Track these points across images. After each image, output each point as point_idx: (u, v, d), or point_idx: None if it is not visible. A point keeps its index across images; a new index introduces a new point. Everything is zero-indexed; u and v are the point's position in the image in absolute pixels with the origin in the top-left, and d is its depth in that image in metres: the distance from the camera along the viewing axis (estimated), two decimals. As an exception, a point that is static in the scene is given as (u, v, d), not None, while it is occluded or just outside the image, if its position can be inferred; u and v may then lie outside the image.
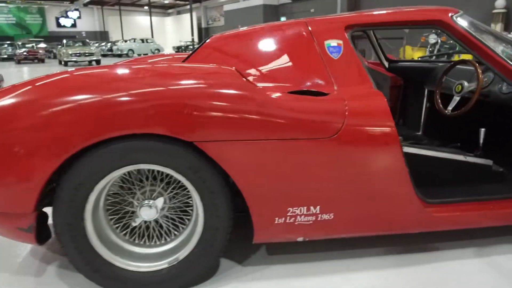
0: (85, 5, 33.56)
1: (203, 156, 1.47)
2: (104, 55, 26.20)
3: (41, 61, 20.98)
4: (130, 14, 40.71)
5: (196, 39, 27.43)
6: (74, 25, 37.64)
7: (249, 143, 1.47)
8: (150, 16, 30.69)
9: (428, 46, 9.27)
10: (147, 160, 1.46)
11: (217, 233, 1.56)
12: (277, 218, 1.59)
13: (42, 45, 26.90)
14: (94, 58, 18.36)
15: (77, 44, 19.63)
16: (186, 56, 2.09)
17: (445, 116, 2.45)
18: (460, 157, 1.98)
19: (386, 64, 3.17)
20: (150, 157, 1.45)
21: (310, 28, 1.86)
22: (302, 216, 1.61)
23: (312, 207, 1.60)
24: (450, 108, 2.42)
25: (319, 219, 1.62)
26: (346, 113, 1.54)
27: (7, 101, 1.41)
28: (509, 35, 6.77)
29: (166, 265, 1.60)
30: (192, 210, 1.67)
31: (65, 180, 1.44)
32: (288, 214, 1.59)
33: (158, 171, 1.62)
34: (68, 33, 35.99)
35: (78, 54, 18.00)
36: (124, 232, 1.69)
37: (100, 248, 1.55)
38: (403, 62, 3.17)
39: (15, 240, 1.58)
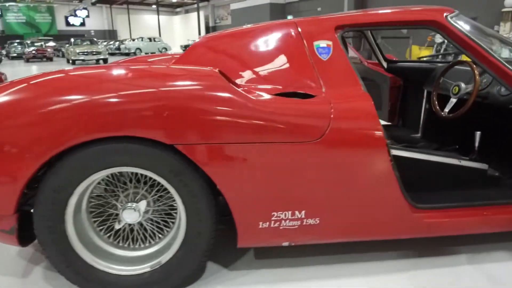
0: (93, 4, 33.75)
1: (184, 159, 1.45)
2: (112, 54, 26.36)
3: (50, 59, 21.16)
4: (139, 13, 40.90)
5: (203, 38, 27.37)
6: (83, 24, 37.95)
7: (231, 146, 1.45)
8: (158, 14, 30.79)
9: (435, 45, 9.15)
10: (127, 163, 1.44)
11: (200, 237, 1.54)
12: (261, 223, 1.57)
13: (51, 43, 27.19)
14: (101, 57, 18.46)
15: (85, 43, 19.76)
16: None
17: (443, 118, 2.40)
18: (454, 161, 1.93)
19: (385, 64, 3.11)
20: (130, 160, 1.43)
21: (299, 29, 1.83)
22: (287, 221, 1.58)
23: (297, 212, 1.57)
24: (446, 110, 2.37)
25: (304, 224, 1.59)
26: (331, 116, 1.51)
27: None
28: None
29: (148, 269, 1.58)
30: (176, 213, 1.65)
31: (45, 182, 1.43)
32: (273, 218, 1.56)
33: (141, 174, 1.61)
34: (77, 32, 36.30)
35: (85, 53, 18.12)
36: (109, 234, 1.68)
37: (81, 251, 1.54)
38: (402, 63, 3.11)
39: (-2, 242, 1.57)
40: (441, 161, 1.90)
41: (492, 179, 1.98)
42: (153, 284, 1.57)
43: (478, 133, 1.99)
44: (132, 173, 1.60)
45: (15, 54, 23.22)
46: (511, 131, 2.23)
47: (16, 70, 15.02)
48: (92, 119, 1.36)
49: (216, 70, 1.53)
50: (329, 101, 1.56)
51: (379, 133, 1.53)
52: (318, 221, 1.60)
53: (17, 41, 24.89)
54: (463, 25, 1.87)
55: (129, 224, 1.68)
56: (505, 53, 2.18)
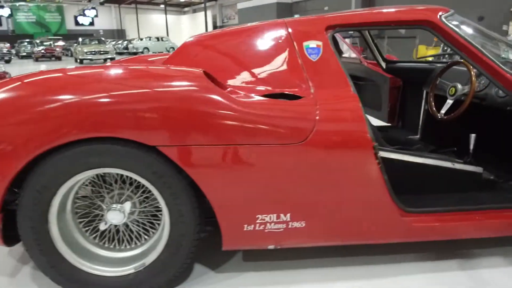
0: (102, 3, 34.01)
1: (167, 161, 1.44)
2: (120, 53, 26.52)
3: (58, 58, 21.37)
4: (147, 12, 41.09)
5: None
6: (92, 23, 38.14)
7: (214, 148, 1.43)
8: (166, 14, 30.90)
9: (442, 45, 9.04)
10: (110, 164, 1.43)
11: (183, 239, 1.53)
12: (246, 225, 1.55)
13: (61, 43, 27.43)
14: (109, 56, 18.59)
15: (93, 42, 19.93)
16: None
17: (440, 120, 2.35)
18: (448, 164, 1.89)
19: (384, 64, 3.07)
20: (113, 161, 1.43)
21: (289, 29, 1.80)
22: (272, 224, 1.56)
23: (282, 215, 1.55)
24: (443, 111, 2.33)
25: (290, 227, 1.57)
26: (317, 118, 1.48)
27: None
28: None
29: (132, 270, 1.57)
30: (162, 214, 1.64)
31: (28, 182, 1.42)
32: (257, 221, 1.54)
33: (126, 176, 1.60)
34: (86, 31, 36.58)
35: (93, 52, 18.26)
36: (94, 235, 1.67)
37: (65, 252, 1.54)
38: (401, 63, 3.06)
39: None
40: (434, 164, 1.86)
41: (487, 183, 1.93)
42: (137, 286, 1.56)
43: (473, 136, 1.95)
44: (117, 174, 1.59)
45: (24, 54, 23.47)
46: (509, 133, 2.18)
47: (24, 69, 15.19)
48: (75, 120, 1.36)
49: (201, 71, 1.51)
50: (315, 103, 1.54)
51: (365, 135, 1.50)
52: (303, 224, 1.58)
53: (27, 40, 25.15)
54: (457, 25, 1.83)
55: (115, 225, 1.67)
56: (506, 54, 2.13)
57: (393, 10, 1.86)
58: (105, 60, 18.56)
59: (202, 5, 26.61)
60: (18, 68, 15.31)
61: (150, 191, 1.61)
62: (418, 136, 2.97)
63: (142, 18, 37.83)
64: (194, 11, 42.11)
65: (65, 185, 1.46)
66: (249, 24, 1.90)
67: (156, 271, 1.56)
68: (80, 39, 19.98)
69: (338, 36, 3.56)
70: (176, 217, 1.50)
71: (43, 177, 1.42)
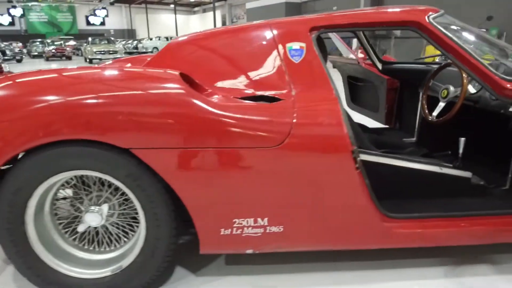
0: (112, 3, 34.33)
1: (141, 163, 1.43)
2: (129, 53, 26.72)
3: (69, 58, 21.62)
4: (157, 12, 41.36)
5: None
6: (103, 23, 38.61)
7: (189, 151, 1.41)
8: (175, 14, 31.06)
9: None
10: (85, 167, 1.43)
11: (159, 243, 1.51)
12: (222, 229, 1.53)
13: (72, 42, 27.74)
14: (118, 56, 18.74)
15: (102, 42, 20.12)
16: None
17: (432, 123, 2.31)
18: (435, 168, 1.84)
19: (380, 66, 3.02)
20: (87, 163, 1.42)
21: (273, 30, 1.78)
22: (250, 228, 1.54)
23: (259, 219, 1.53)
24: (435, 114, 2.28)
25: (267, 231, 1.55)
26: (294, 121, 1.46)
27: None
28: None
29: (109, 273, 1.57)
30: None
31: (3, 184, 1.43)
32: (234, 225, 1.53)
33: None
34: (97, 31, 36.97)
35: (102, 52, 18.43)
36: (74, 237, 1.67)
37: (42, 253, 1.54)
38: (397, 64, 3.01)
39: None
40: (420, 168, 1.82)
41: (476, 188, 1.88)
42: (113, 289, 1.56)
43: (462, 140, 1.90)
44: (95, 176, 1.59)
45: (36, 53, 23.82)
46: (503, 136, 2.12)
47: (34, 69, 15.38)
48: (48, 122, 1.35)
49: (177, 73, 1.50)
50: (293, 106, 1.51)
51: (343, 139, 1.47)
52: (282, 229, 1.55)
53: (39, 40, 25.51)
54: (446, 26, 1.79)
55: (95, 227, 1.67)
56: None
57: (379, 10, 1.82)
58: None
59: (212, 5, 26.67)
60: (28, 68, 15.52)
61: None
62: (414, 139, 2.92)
63: (152, 18, 38.08)
64: (204, 10, 42.24)
65: (40, 186, 1.46)
66: (233, 26, 1.88)
67: (133, 274, 1.55)
68: (89, 39, 20.20)
69: (335, 36, 3.52)
70: (151, 220, 1.49)
71: (18, 179, 1.42)
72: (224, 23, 34.55)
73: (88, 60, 18.78)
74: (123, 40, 31.22)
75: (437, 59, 4.76)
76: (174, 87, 1.43)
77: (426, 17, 1.76)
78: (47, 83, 1.43)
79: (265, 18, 1.85)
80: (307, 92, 1.63)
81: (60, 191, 1.62)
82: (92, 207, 1.56)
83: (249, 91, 1.69)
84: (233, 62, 1.76)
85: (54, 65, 17.38)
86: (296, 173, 1.48)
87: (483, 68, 1.67)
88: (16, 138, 1.36)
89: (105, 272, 1.57)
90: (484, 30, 7.14)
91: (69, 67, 1.58)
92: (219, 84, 1.71)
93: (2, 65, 5.72)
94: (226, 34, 1.84)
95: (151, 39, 28.24)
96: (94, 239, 1.68)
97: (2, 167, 1.43)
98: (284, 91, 1.67)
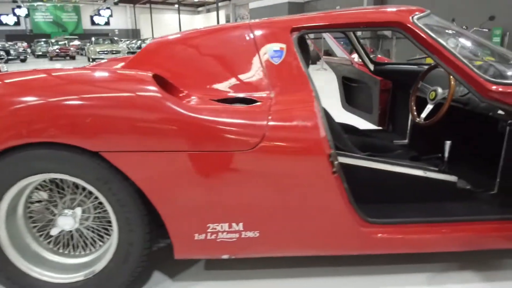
0: (116, 3, 34.44)
1: (112, 167, 1.40)
2: (133, 53, 26.78)
3: (72, 58, 21.74)
4: (161, 12, 41.44)
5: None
6: (107, 23, 38.78)
7: (160, 154, 1.38)
8: (179, 14, 31.11)
9: None
10: (55, 170, 1.41)
11: (132, 248, 1.49)
12: (196, 234, 1.50)
13: (76, 42, 27.87)
14: (121, 56, 18.79)
15: (106, 42, 20.19)
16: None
17: (420, 125, 2.26)
18: (419, 172, 1.80)
19: (371, 66, 2.98)
20: (57, 166, 1.40)
21: (253, 31, 1.75)
22: (224, 233, 1.51)
23: (234, 224, 1.50)
24: (423, 116, 2.23)
25: (243, 236, 1.51)
26: (268, 124, 1.42)
27: None
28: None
29: (82, 278, 1.54)
30: (114, 221, 1.61)
31: None
32: (209, 230, 1.49)
33: None
34: (102, 31, 37.12)
35: (105, 52, 18.50)
36: (49, 240, 1.65)
37: (13, 256, 1.52)
38: (389, 65, 2.97)
39: None
40: (404, 172, 1.78)
41: (462, 193, 1.84)
42: (86, 294, 1.53)
43: (448, 143, 1.84)
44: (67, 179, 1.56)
45: (40, 53, 23.94)
46: (492, 140, 2.07)
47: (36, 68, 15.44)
48: (16, 124, 1.33)
49: (149, 74, 1.47)
50: (269, 108, 1.48)
51: (318, 143, 1.43)
52: (257, 234, 1.52)
53: (43, 40, 25.64)
54: (432, 27, 1.74)
55: (70, 231, 1.64)
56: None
57: (362, 11, 1.78)
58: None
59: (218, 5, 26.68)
60: (32, 67, 15.59)
61: (103, 197, 1.57)
62: (406, 141, 2.87)
63: (157, 18, 38.15)
64: (208, 10, 42.27)
65: (11, 190, 1.43)
66: (213, 27, 1.85)
67: (105, 279, 1.52)
68: (93, 39, 20.28)
69: (329, 36, 3.48)
70: (123, 224, 1.46)
71: (-13, 182, 1.40)
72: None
73: (91, 60, 18.84)
74: (127, 40, 31.30)
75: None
76: (145, 89, 1.40)
77: (410, 18, 1.72)
78: (15, 86, 1.40)
79: (269, 17, 1.82)
80: (285, 94, 1.60)
81: (36, 193, 1.60)
82: (66, 211, 1.54)
83: (227, 93, 1.66)
84: (212, 63, 1.73)
85: (58, 65, 17.44)
86: (271, 177, 1.45)
87: (467, 70, 1.62)
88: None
89: (78, 276, 1.54)
90: (487, 30, 7.04)
91: (61, 67, 1.56)
92: (197, 85, 1.68)
93: (0, 65, 5.73)
94: (206, 35, 1.80)
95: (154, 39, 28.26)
96: (69, 242, 1.66)
97: None
98: (263, 93, 1.63)
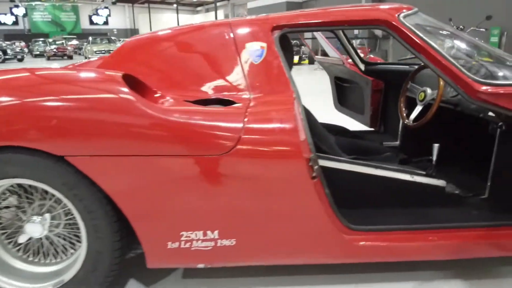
0: (114, 3, 34.32)
1: (78, 172, 1.33)
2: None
3: (70, 57, 21.64)
4: (160, 11, 41.35)
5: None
6: (106, 23, 38.69)
7: (129, 158, 1.31)
8: (177, 13, 31.05)
9: None
10: (19, 174, 1.34)
11: (101, 256, 1.42)
12: (169, 243, 1.43)
13: (74, 42, 27.78)
14: (118, 55, 18.69)
15: (103, 42, 20.12)
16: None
17: (408, 127, 2.19)
18: (406, 177, 1.73)
19: (362, 66, 2.91)
20: (21, 171, 1.33)
21: (233, 29, 1.68)
22: (199, 241, 1.43)
23: (209, 232, 1.43)
24: (412, 117, 2.17)
25: (218, 245, 1.44)
26: (244, 127, 1.35)
27: None
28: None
29: (50, 287, 1.47)
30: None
31: None
32: (182, 238, 1.42)
33: None
34: (100, 31, 37.00)
35: (102, 51, 18.41)
36: (18, 248, 1.58)
37: (-23, 266, 1.45)
38: (381, 65, 2.90)
39: None
40: (390, 176, 1.70)
41: (451, 198, 1.77)
42: (54, 304, 1.46)
43: (436, 146, 1.77)
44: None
45: (37, 52, 23.83)
46: (483, 142, 2.01)
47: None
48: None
49: (119, 74, 1.40)
50: (245, 110, 1.40)
51: (297, 146, 1.36)
52: (234, 243, 1.45)
53: (41, 39, 25.54)
54: (419, 26, 1.67)
55: (40, 238, 1.57)
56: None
57: (346, 9, 1.71)
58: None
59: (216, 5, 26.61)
60: (27, 66, 15.51)
61: (73, 203, 1.50)
62: (397, 143, 2.80)
63: (155, 18, 38.08)
64: (207, 10, 42.20)
65: (-27, 196, 1.37)
66: (192, 25, 1.78)
67: (74, 289, 1.45)
68: (90, 38, 20.21)
69: (321, 36, 3.41)
70: (92, 232, 1.39)
71: None
72: (226, 23, 34.31)
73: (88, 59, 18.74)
74: (125, 39, 31.18)
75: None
76: (114, 89, 1.33)
77: (396, 16, 1.64)
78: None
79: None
80: (264, 95, 1.53)
81: (4, 199, 1.53)
82: (34, 217, 1.47)
83: (205, 94, 1.59)
84: (190, 63, 1.66)
85: (55, 64, 17.36)
86: (247, 182, 1.38)
87: (454, 70, 1.55)
88: None
89: (47, 286, 1.48)
90: (484, 29, 6.97)
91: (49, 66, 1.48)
92: (173, 86, 1.61)
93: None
94: (184, 33, 1.73)
95: (153, 38, 28.15)
96: (40, 250, 1.59)
97: None
98: (241, 94, 1.57)
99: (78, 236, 1.57)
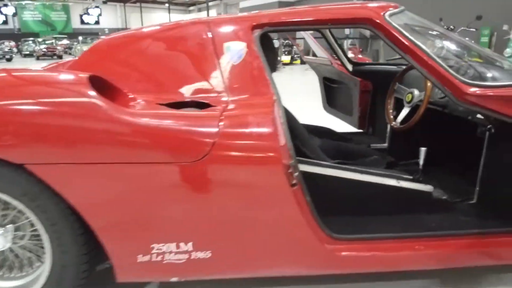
0: (105, 2, 34.05)
1: (40, 181, 1.23)
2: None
3: (59, 57, 21.38)
4: (152, 11, 41.07)
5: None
6: (97, 22, 38.33)
7: (94, 166, 1.22)
8: (169, 13, 30.87)
9: None
10: (-25, 184, 1.24)
11: (66, 271, 1.32)
12: (140, 256, 1.34)
13: (65, 41, 27.46)
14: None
15: (94, 41, 19.90)
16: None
17: (395, 129, 2.13)
18: (392, 182, 1.65)
19: (350, 67, 2.84)
20: (-23, 180, 1.23)
21: (211, 29, 1.59)
22: (172, 254, 1.35)
23: (182, 244, 1.34)
24: (399, 120, 2.10)
25: (193, 257, 1.36)
26: (219, 132, 1.27)
27: None
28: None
29: (13, 304, 1.38)
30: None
31: None
32: (153, 251, 1.34)
33: None
34: (92, 30, 36.61)
35: (92, 51, 18.18)
36: (-19, 261, 1.48)
37: None
38: (369, 65, 2.83)
39: None
40: (375, 181, 1.63)
41: (438, 204, 1.70)
42: (17, 322, 1.37)
43: (423, 150, 1.70)
44: None
45: (27, 52, 23.52)
46: (472, 145, 1.94)
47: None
48: None
49: (85, 76, 1.30)
50: (221, 113, 1.32)
51: (276, 152, 1.28)
52: (209, 255, 1.36)
53: (31, 39, 25.20)
54: (405, 25, 1.60)
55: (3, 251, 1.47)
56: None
57: (331, 7, 1.63)
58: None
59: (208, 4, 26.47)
60: (19, 66, 15.29)
61: (38, 213, 1.41)
62: (386, 145, 2.73)
63: (147, 17, 37.82)
64: (199, 10, 42.03)
65: None
66: (169, 23, 1.69)
67: (38, 306, 1.36)
68: (80, 38, 19.99)
69: (308, 36, 3.33)
70: (56, 245, 1.30)
71: None
72: (219, 22, 34.20)
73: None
74: (117, 39, 30.86)
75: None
76: (78, 92, 1.24)
77: (382, 14, 1.57)
78: None
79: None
80: (242, 97, 1.45)
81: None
82: (-3, 229, 1.37)
83: (181, 96, 1.50)
84: (165, 63, 1.57)
85: (44, 64, 17.07)
86: (222, 191, 1.29)
87: (442, 71, 1.48)
88: None
89: (9, 302, 1.38)
90: (474, 29, 6.96)
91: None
92: (147, 88, 1.52)
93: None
94: (159, 32, 1.65)
95: (144, 38, 27.95)
96: (4, 263, 1.49)
97: None
98: (219, 96, 1.48)
99: (44, 248, 1.47)
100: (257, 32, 1.58)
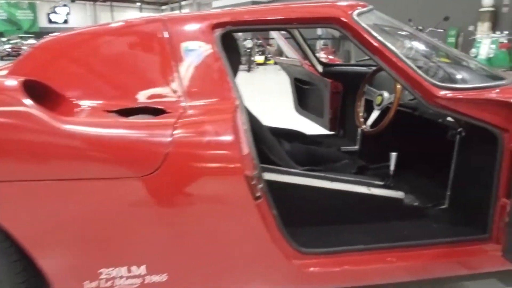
0: (73, 0, 32.99)
1: (-36, 202, 1.08)
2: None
3: (25, 57, 20.56)
4: (123, 10, 40.14)
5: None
6: (66, 21, 37.11)
7: (28, 184, 1.07)
8: (141, 12, 30.25)
9: None
10: None
11: (0, 301, 1.17)
12: (87, 282, 1.20)
13: (31, 41, 26.37)
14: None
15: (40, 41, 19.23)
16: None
17: (366, 133, 2.06)
18: (363, 189, 1.58)
19: (320, 68, 2.76)
20: None
21: (166, 27, 1.46)
22: (123, 279, 1.21)
23: (134, 267, 1.21)
24: (369, 123, 2.04)
25: (147, 282, 1.23)
26: (173, 141, 1.14)
27: None
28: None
29: None
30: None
31: None
32: (102, 277, 1.20)
33: None
34: (60, 30, 35.21)
35: (60, 51, 17.57)
36: None
37: None
38: (339, 66, 2.77)
39: None
40: (345, 189, 1.55)
41: (409, 211, 1.63)
42: None
43: (394, 155, 1.63)
44: None
45: (-10, 52, 22.45)
46: (444, 148, 1.89)
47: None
48: None
49: (16, 80, 1.15)
50: (176, 121, 1.19)
51: (236, 162, 1.17)
52: (166, 278, 1.23)
53: (-6, 38, 24.11)
54: (374, 25, 1.52)
55: None
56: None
57: (296, 5, 1.53)
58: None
59: (181, 3, 26.10)
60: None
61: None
62: (357, 147, 2.67)
63: (118, 16, 36.92)
64: (172, 9, 41.44)
65: None
66: (121, 22, 1.55)
67: None
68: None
69: (277, 34, 3.24)
70: (-13, 274, 1.14)
71: None
72: (192, 22, 33.86)
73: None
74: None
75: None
76: (6, 99, 1.08)
77: (350, 13, 1.49)
78: None
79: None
80: (201, 102, 1.33)
81: None
82: None
83: (132, 102, 1.36)
84: (117, 65, 1.43)
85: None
86: (177, 207, 1.17)
87: (411, 73, 1.41)
88: None
89: None
90: (442, 30, 7.09)
91: None
92: (95, 93, 1.37)
93: None
94: (109, 31, 1.50)
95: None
96: None
97: None
98: (176, 101, 1.35)
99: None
100: (218, 32, 1.46)
